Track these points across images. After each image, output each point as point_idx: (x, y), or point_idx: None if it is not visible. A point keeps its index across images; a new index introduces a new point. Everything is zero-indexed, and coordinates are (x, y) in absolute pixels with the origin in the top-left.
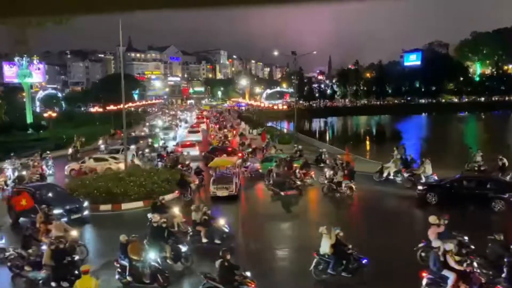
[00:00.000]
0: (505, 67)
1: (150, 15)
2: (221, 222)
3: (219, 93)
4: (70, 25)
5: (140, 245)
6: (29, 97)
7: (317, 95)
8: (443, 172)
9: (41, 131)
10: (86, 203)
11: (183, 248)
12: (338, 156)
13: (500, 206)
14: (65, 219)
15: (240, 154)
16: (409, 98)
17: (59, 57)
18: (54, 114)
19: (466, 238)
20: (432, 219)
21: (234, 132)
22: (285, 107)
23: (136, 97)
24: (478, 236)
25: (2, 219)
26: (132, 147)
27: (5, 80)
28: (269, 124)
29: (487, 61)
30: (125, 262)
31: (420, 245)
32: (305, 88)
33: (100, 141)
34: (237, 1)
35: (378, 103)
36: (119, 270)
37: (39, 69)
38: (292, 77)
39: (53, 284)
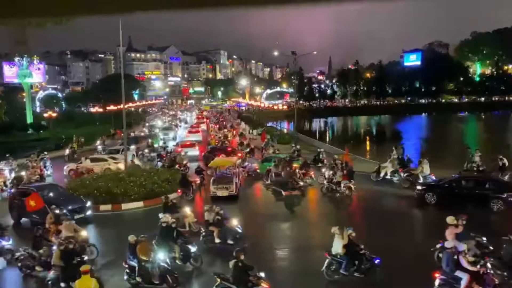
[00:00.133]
0: (505, 67)
1: (150, 15)
2: (234, 222)
3: (219, 93)
4: (70, 25)
5: (149, 245)
6: (29, 97)
7: (317, 95)
8: (442, 172)
9: (41, 131)
10: (89, 203)
11: (192, 249)
12: (336, 156)
13: (499, 206)
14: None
15: (240, 154)
16: (409, 98)
17: (59, 57)
18: (54, 114)
19: (484, 239)
20: (450, 219)
21: (234, 132)
22: (285, 107)
23: (136, 97)
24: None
25: (4, 220)
26: (132, 147)
27: (5, 80)
28: (269, 124)
29: (487, 61)
30: (134, 263)
31: (438, 245)
32: (305, 88)
33: (98, 142)
34: (237, 2)
35: (378, 103)
36: (127, 270)
37: (39, 69)
38: (292, 77)
39: (62, 284)
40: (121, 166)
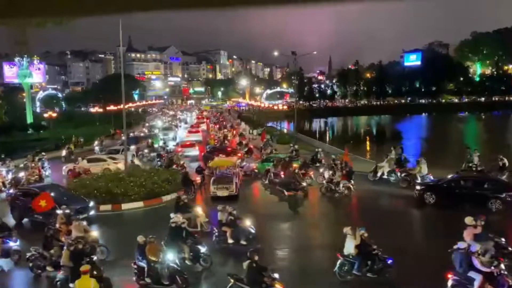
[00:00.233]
0: (505, 67)
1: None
2: (247, 222)
3: (219, 93)
4: (70, 25)
5: (158, 246)
6: (29, 98)
7: (317, 95)
8: (441, 172)
9: (41, 132)
10: (92, 203)
11: (202, 249)
12: (333, 156)
13: (497, 205)
14: None
15: (239, 154)
16: (409, 98)
17: (59, 57)
18: (54, 115)
19: (503, 239)
20: (469, 220)
21: (234, 132)
22: (285, 107)
23: (136, 97)
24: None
25: (5, 220)
26: (132, 147)
27: (5, 80)
28: (270, 124)
29: (487, 61)
30: (143, 264)
31: (455, 246)
32: (305, 88)
33: (96, 142)
34: (237, 2)
35: (378, 103)
36: (136, 271)
37: (39, 69)
38: (292, 77)
39: (71, 285)
40: (121, 166)
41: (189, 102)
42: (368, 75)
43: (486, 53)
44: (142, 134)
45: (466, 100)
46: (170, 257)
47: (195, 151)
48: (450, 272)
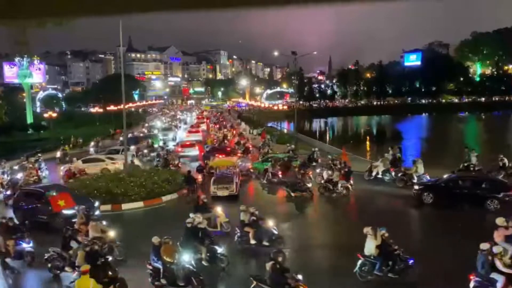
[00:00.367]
0: (505, 67)
1: (150, 16)
2: (270, 223)
3: (219, 93)
4: (70, 25)
5: (173, 247)
6: (29, 98)
7: (317, 95)
8: (438, 172)
9: (41, 132)
10: (97, 203)
11: (219, 249)
12: (329, 156)
13: (495, 205)
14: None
15: (239, 154)
16: (409, 99)
17: (59, 57)
18: (54, 115)
19: None
20: (500, 221)
21: (234, 132)
22: (285, 107)
23: (136, 97)
24: (477, 235)
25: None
26: (132, 147)
27: (5, 80)
28: (270, 124)
29: (487, 61)
30: (158, 265)
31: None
32: (305, 89)
33: (92, 144)
34: (238, 2)
35: (378, 103)
36: (151, 272)
37: (39, 69)
38: (292, 77)
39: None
40: (119, 166)
41: (189, 102)
42: (368, 75)
43: (486, 53)
44: (141, 134)
45: (466, 100)
46: (186, 258)
47: (195, 151)
48: (472, 273)
